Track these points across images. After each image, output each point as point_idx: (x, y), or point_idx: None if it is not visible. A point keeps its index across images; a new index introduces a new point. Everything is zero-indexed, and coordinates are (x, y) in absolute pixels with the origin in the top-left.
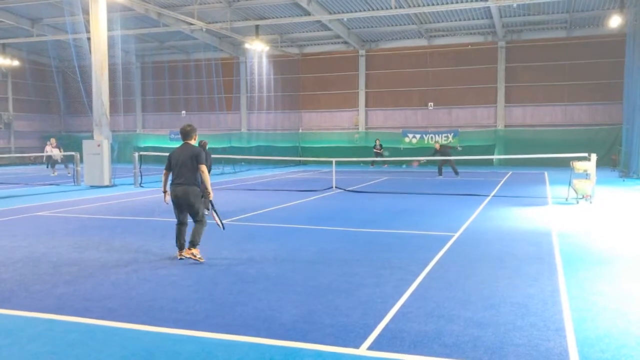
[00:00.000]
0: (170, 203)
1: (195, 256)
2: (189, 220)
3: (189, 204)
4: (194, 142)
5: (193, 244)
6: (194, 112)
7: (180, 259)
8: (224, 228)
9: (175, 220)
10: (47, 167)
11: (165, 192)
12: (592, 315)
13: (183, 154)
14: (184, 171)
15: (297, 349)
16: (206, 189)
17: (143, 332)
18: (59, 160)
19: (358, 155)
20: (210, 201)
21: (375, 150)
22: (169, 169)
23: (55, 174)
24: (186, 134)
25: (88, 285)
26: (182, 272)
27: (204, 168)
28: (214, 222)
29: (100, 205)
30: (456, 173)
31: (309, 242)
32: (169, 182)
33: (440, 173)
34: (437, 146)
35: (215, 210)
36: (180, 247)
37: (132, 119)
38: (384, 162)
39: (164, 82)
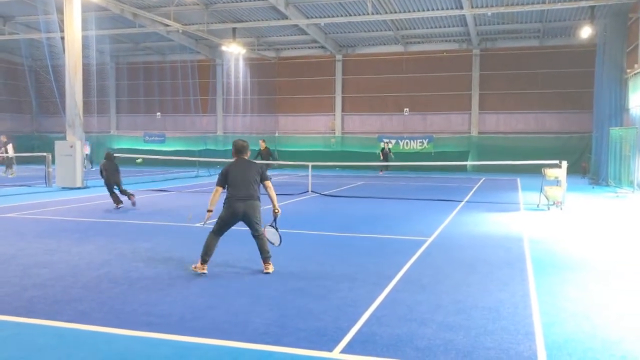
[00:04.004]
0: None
1: (270, 270)
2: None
3: (255, 220)
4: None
5: (269, 258)
6: (169, 114)
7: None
8: (280, 243)
9: (213, 231)
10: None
11: (210, 210)
12: (561, 319)
13: (247, 169)
14: (250, 186)
15: (270, 352)
16: (274, 206)
17: (115, 336)
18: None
19: (334, 159)
20: (275, 219)
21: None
22: (223, 185)
23: (14, 174)
24: (242, 149)
25: (58, 288)
26: (155, 276)
27: (270, 184)
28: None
29: (71, 207)
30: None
31: (284, 246)
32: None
33: None
34: (263, 145)
35: (276, 228)
36: (206, 261)
37: (106, 120)
38: (382, 168)
39: (139, 84)
